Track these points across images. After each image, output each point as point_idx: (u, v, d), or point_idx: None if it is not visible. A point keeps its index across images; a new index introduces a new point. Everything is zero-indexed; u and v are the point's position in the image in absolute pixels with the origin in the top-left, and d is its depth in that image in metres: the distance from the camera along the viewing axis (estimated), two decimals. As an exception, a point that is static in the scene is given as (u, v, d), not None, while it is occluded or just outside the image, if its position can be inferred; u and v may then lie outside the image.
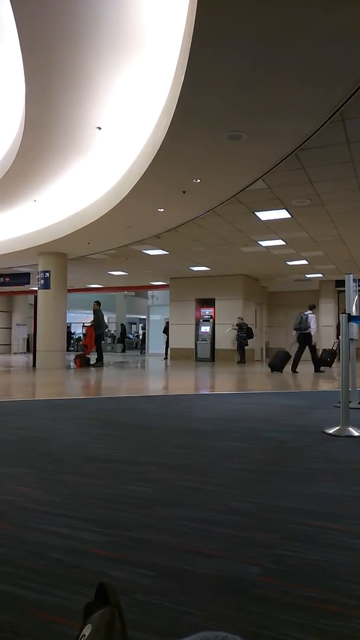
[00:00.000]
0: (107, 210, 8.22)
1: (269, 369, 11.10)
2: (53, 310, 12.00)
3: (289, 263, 13.54)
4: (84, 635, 0.74)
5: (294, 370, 10.51)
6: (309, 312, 10.73)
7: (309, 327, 10.48)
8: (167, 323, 17.73)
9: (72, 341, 22.82)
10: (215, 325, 15.92)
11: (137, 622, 1.19)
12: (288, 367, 10.84)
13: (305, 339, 10.55)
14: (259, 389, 7.78)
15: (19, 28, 4.06)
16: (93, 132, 6.38)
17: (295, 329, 10.74)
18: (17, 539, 1.71)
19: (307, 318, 10.53)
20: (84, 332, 15.33)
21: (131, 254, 12.29)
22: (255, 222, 9.10)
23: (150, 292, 22.18)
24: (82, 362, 12.22)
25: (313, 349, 10.76)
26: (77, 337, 24.32)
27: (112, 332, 25.48)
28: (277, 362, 10.94)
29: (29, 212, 10.24)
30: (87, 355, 12.68)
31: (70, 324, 21.12)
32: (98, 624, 0.74)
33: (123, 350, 24.18)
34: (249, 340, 14.89)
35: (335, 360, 12.62)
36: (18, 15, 3.92)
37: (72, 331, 24.04)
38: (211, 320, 16.08)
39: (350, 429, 3.69)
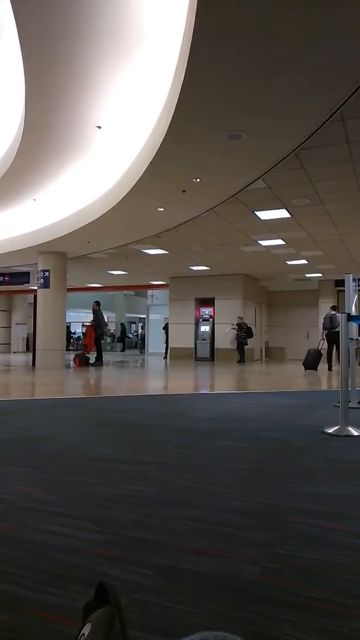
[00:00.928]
0: (107, 209, 8.22)
1: (303, 368, 11.43)
2: (52, 309, 11.99)
3: (289, 263, 13.53)
4: (84, 634, 0.74)
5: (329, 368, 11.20)
6: (333, 312, 11.47)
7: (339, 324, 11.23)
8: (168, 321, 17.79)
9: (71, 340, 22.84)
10: (215, 325, 15.92)
11: (137, 622, 1.19)
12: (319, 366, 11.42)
13: (336, 337, 11.19)
14: (258, 388, 7.78)
15: (18, 27, 4.05)
16: (93, 131, 6.37)
17: (325, 329, 11.33)
18: (17, 538, 1.71)
19: (336, 317, 11.20)
20: (84, 331, 15.33)
21: (131, 253, 12.28)
22: (255, 221, 9.09)
23: (149, 292, 22.18)
24: (82, 362, 12.22)
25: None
26: (76, 336, 24.32)
27: (112, 331, 25.48)
28: (311, 360, 11.30)
29: (29, 211, 10.23)
30: (87, 355, 12.68)
31: (70, 323, 21.11)
32: (97, 623, 0.74)
33: (123, 350, 24.18)
34: (248, 340, 14.89)
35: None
36: (18, 14, 3.91)
37: (72, 330, 24.06)
38: (211, 319, 16.07)
39: (350, 428, 3.69)
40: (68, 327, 22.21)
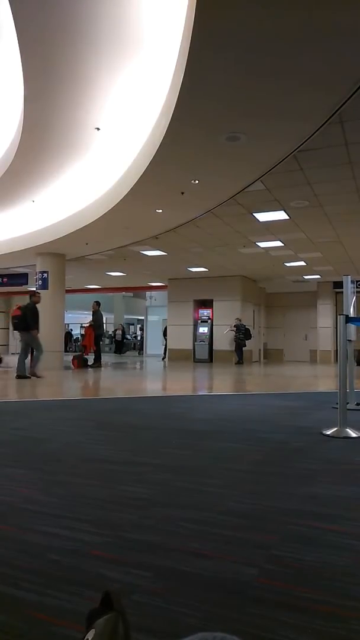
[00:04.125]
0: (106, 210, 8.22)
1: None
2: (51, 310, 11.97)
3: (287, 264, 13.55)
4: (87, 639, 0.75)
5: None
6: None
7: None
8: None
9: (69, 342, 22.79)
10: (214, 326, 15.92)
11: (135, 623, 1.18)
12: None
13: None
14: (256, 390, 7.79)
15: (17, 28, 4.05)
16: (92, 133, 6.38)
17: None
18: (15, 540, 1.70)
19: None
20: (82, 332, 15.29)
21: (129, 254, 12.28)
22: (253, 223, 9.10)
23: (148, 293, 22.20)
24: (80, 363, 12.21)
25: None
26: (75, 337, 24.26)
27: (111, 332, 25.40)
28: None
29: (28, 213, 10.23)
30: (85, 356, 12.67)
31: (68, 324, 21.10)
32: (102, 629, 0.75)
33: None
34: (246, 341, 14.90)
35: None
36: (17, 15, 3.91)
37: (71, 329, 23.96)
38: (209, 321, 16.08)
39: (348, 430, 3.69)
40: (70, 330, 22.15)
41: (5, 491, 2.27)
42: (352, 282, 5.29)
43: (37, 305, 9.52)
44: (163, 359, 17.25)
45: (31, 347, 9.36)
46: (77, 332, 24.65)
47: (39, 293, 9.65)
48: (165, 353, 17.32)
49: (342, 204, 7.86)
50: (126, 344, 24.76)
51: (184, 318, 16.51)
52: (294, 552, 1.61)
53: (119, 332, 22.76)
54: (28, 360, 9.46)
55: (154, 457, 2.99)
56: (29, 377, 8.89)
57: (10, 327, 22.41)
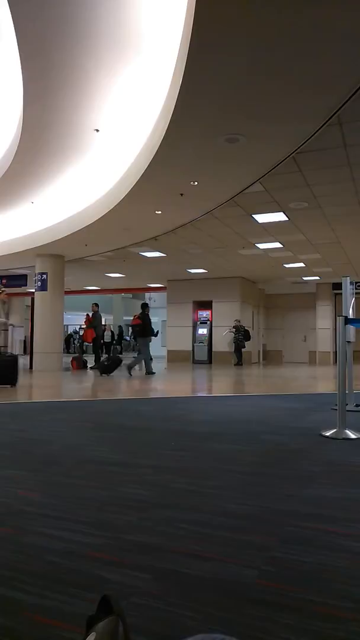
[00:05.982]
0: (105, 212, 8.22)
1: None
2: (50, 312, 11.99)
3: (286, 266, 13.55)
4: None
5: None
6: None
7: None
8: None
9: (72, 342, 22.71)
10: (213, 328, 15.93)
11: (134, 625, 1.18)
12: None
13: None
14: (256, 391, 7.79)
15: (17, 30, 4.06)
16: (91, 135, 6.39)
17: None
18: (14, 542, 1.70)
19: None
20: (84, 321, 15.19)
21: (128, 256, 12.29)
22: (252, 224, 9.11)
23: (147, 295, 22.21)
24: (79, 364, 12.21)
25: None
26: (77, 340, 24.23)
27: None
28: None
29: (27, 214, 10.23)
30: (84, 358, 12.69)
31: (67, 325, 21.06)
32: (102, 632, 0.76)
33: (120, 352, 24.12)
34: (246, 343, 14.90)
35: None
36: (16, 17, 3.92)
37: (73, 331, 23.87)
38: (208, 322, 16.09)
39: (347, 431, 3.69)
40: (72, 333, 22.00)
41: (5, 493, 2.27)
42: (351, 283, 5.30)
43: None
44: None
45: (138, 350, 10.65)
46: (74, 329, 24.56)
47: (148, 304, 10.74)
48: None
49: (341, 205, 7.87)
50: (124, 346, 24.72)
51: (183, 319, 16.52)
52: (294, 554, 1.61)
53: (108, 333, 22.43)
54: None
55: (153, 458, 2.99)
56: (154, 373, 10.49)
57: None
